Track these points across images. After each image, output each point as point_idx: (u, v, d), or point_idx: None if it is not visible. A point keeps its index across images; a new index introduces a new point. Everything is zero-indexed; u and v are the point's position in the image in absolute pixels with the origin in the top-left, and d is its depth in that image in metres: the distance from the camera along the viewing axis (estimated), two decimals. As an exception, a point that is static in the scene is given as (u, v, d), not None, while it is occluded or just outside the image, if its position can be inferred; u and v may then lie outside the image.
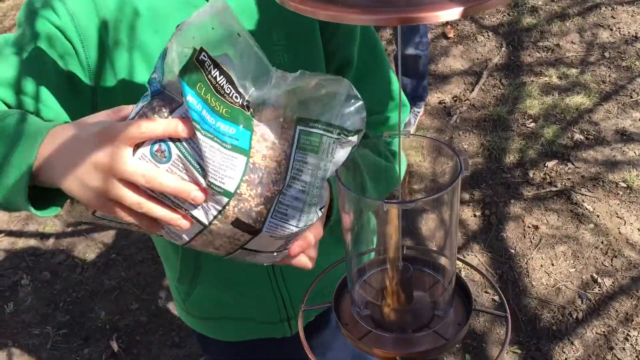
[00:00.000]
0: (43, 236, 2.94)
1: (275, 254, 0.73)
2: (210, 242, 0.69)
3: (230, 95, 0.63)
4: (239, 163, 0.62)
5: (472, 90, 3.60)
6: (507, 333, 0.76)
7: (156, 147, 0.62)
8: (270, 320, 1.17)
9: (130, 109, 0.66)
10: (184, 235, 0.69)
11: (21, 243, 2.91)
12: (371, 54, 1.02)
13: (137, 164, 0.61)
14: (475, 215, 2.82)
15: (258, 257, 0.73)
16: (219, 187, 0.62)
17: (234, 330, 1.21)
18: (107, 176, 0.61)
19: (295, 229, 0.68)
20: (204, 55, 0.61)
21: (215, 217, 0.65)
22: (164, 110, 0.63)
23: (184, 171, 0.62)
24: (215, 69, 0.62)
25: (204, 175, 0.62)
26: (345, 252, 0.76)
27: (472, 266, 0.91)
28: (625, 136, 3.16)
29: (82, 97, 0.88)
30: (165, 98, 0.63)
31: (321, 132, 0.64)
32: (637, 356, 2.19)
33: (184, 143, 0.62)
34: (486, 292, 2.45)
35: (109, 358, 2.36)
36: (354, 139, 0.66)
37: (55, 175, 0.65)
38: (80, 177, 0.62)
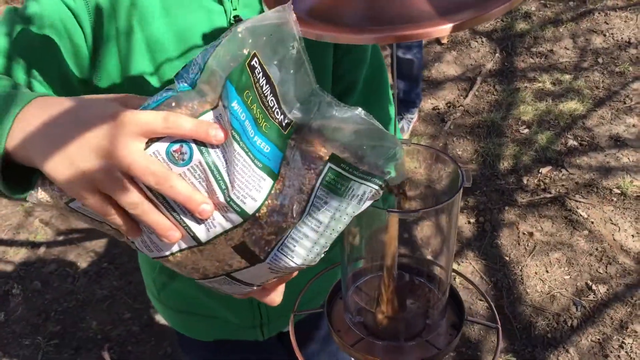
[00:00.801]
0: (34, 245, 2.91)
1: (254, 287, 0.68)
2: (195, 261, 0.63)
3: (273, 109, 0.57)
4: (265, 185, 0.57)
5: (466, 96, 3.60)
6: (497, 345, 0.75)
7: (176, 147, 0.55)
8: (244, 325, 1.17)
9: (139, 101, 0.59)
10: (165, 248, 0.62)
11: (12, 252, 2.88)
12: (377, 79, 1.01)
13: (150, 161, 0.54)
14: (469, 222, 2.81)
15: (236, 287, 0.68)
16: (239, 206, 0.57)
17: (206, 328, 1.20)
18: (109, 166, 0.54)
19: (295, 266, 0.63)
20: (255, 61, 0.55)
21: (217, 236, 0.59)
22: (191, 109, 0.57)
23: (200, 179, 0.56)
24: (264, 78, 0.56)
25: (226, 189, 0.56)
26: (341, 258, 0.75)
27: (465, 277, 0.90)
28: (619, 142, 3.16)
29: (79, 83, 0.85)
30: (195, 97, 0.57)
31: (352, 177, 0.59)
32: (632, 363, 2.18)
33: (212, 150, 0.56)
34: (480, 299, 2.44)
35: (101, 368, 2.34)
36: (382, 192, 0.62)
37: (37, 150, 0.56)
38: (72, 160, 0.54)
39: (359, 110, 0.56)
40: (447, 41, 4.08)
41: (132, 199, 0.55)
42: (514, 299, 2.45)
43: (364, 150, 0.58)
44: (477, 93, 3.63)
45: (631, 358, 2.20)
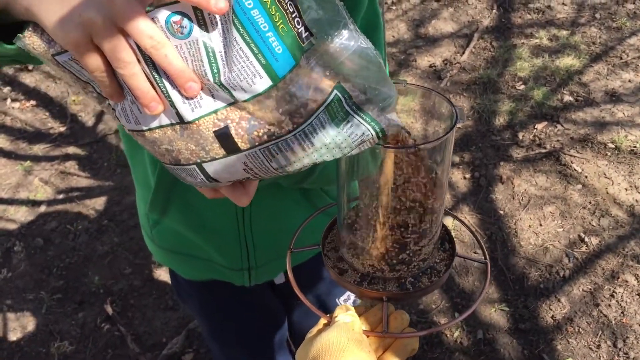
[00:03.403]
0: (34, 203, 2.94)
1: (221, 183, 0.67)
2: (171, 141, 0.61)
3: (293, 16, 0.54)
4: (260, 83, 0.55)
5: (463, 53, 3.59)
6: (486, 278, 0.78)
7: (176, 17, 0.53)
8: (232, 267, 1.18)
9: None
10: (145, 122, 0.61)
11: (12, 210, 2.91)
12: (372, 22, 1.00)
13: (150, 24, 0.53)
14: (465, 178, 2.84)
15: (202, 182, 0.67)
16: (228, 91, 0.56)
17: (195, 268, 1.22)
18: (108, 18, 0.52)
19: (270, 170, 0.63)
20: None
21: (202, 116, 0.58)
22: None
23: (194, 57, 0.55)
24: None
25: (217, 73, 0.55)
26: (337, 196, 0.77)
27: (454, 216, 0.92)
28: (614, 97, 3.17)
29: None
30: None
31: (352, 113, 0.57)
32: (622, 312, 2.23)
33: (211, 31, 0.54)
34: (475, 252, 2.48)
35: (104, 321, 2.39)
36: (377, 140, 0.61)
37: None
38: (71, 6, 0.53)
39: (373, 47, 0.55)
40: (444, -3, 4.05)
41: (125, 56, 0.54)
42: (508, 251, 2.50)
43: (367, 90, 0.57)
44: (473, 50, 3.62)
45: (622, 307, 2.25)
